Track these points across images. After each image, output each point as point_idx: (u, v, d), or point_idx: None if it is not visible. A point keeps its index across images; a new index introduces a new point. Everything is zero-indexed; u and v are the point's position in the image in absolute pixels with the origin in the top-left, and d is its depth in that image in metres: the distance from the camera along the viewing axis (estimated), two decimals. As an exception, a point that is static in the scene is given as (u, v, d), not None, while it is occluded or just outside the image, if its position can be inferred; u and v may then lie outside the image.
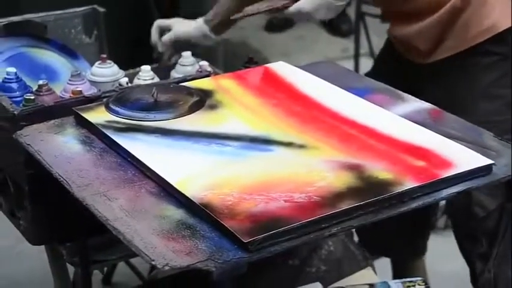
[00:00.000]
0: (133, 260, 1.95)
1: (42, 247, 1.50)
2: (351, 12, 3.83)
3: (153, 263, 0.96)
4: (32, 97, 1.36)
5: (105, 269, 1.95)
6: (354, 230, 1.74)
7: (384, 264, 2.19)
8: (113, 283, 2.17)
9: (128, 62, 1.70)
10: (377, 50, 3.48)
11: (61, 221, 1.37)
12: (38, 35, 1.72)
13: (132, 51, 2.40)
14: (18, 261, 2.30)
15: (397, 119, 1.29)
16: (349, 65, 3.00)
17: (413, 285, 1.49)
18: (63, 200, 1.18)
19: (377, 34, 3.41)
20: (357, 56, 2.98)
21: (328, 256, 1.62)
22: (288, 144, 1.20)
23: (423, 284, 1.48)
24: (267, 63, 1.51)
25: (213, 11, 1.71)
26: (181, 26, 1.72)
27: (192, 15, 2.78)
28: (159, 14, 2.60)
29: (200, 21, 1.72)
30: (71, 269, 1.55)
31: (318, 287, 1.55)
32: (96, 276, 2.02)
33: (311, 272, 1.57)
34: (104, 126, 1.26)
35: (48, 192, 1.29)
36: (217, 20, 1.69)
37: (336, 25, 4.02)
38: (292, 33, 4.06)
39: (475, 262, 1.38)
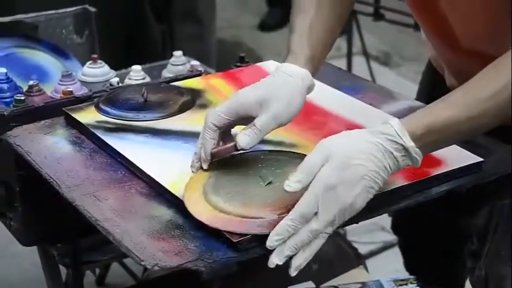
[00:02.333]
0: (127, 261, 1.95)
1: (35, 248, 1.49)
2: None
3: (142, 263, 0.96)
4: (22, 98, 1.36)
5: (97, 270, 1.94)
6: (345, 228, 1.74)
7: (376, 263, 2.19)
8: (106, 284, 2.16)
9: (120, 62, 1.70)
10: (371, 48, 3.51)
11: (52, 221, 1.37)
12: (29, 35, 1.72)
13: (123, 51, 2.41)
14: (11, 262, 2.29)
15: (388, 117, 1.29)
16: (342, 63, 3.00)
17: (406, 284, 1.49)
18: (54, 201, 1.18)
19: (370, 33, 3.42)
20: (349, 55, 2.98)
21: (320, 255, 1.61)
22: (278, 144, 1.20)
23: (415, 282, 1.48)
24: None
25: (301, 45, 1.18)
26: (276, 105, 1.10)
27: (187, 15, 2.80)
28: (153, 12, 2.60)
29: (296, 72, 1.14)
30: (63, 270, 1.55)
31: (311, 286, 1.55)
32: (90, 277, 2.02)
33: (303, 271, 1.57)
34: (94, 126, 1.25)
35: (39, 193, 1.28)
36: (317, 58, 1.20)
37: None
38: (286, 32, 4.05)
39: (465, 261, 1.38)
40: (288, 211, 0.97)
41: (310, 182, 0.97)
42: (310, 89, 1.16)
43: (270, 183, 1.06)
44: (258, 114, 1.08)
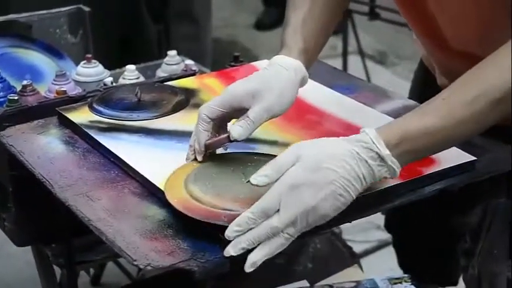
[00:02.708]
0: (122, 260, 1.95)
1: (27, 248, 1.49)
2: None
3: (135, 263, 0.96)
4: (16, 97, 1.35)
5: (91, 269, 1.94)
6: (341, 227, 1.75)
7: (371, 261, 2.20)
8: (101, 283, 2.16)
9: (115, 62, 1.70)
10: (367, 48, 3.51)
11: (45, 221, 1.37)
12: (23, 34, 1.71)
13: (118, 50, 2.41)
14: (6, 262, 2.29)
15: (382, 116, 1.29)
16: (338, 62, 3.00)
17: (400, 282, 1.49)
18: (48, 201, 1.18)
19: (365, 32, 3.42)
20: (345, 54, 2.98)
21: (315, 254, 1.62)
22: (272, 143, 1.20)
23: (409, 280, 1.48)
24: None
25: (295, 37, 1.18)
26: (268, 96, 1.10)
27: (182, 15, 2.80)
28: (149, 12, 2.60)
29: (289, 63, 1.14)
30: (58, 270, 1.54)
31: (305, 285, 1.55)
32: (85, 277, 2.02)
33: (298, 270, 1.57)
34: (87, 126, 1.25)
35: (32, 193, 1.28)
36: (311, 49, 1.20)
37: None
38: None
39: (458, 258, 1.38)
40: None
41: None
42: (303, 81, 1.16)
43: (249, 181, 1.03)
44: (251, 106, 1.08)
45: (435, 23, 1.22)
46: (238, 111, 1.10)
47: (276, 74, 1.12)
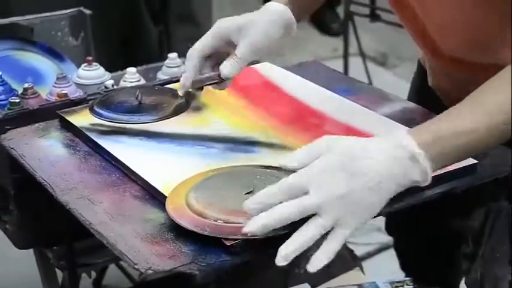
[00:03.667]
0: (124, 263, 1.95)
1: (29, 250, 1.49)
2: (341, 11, 3.84)
3: (136, 266, 0.95)
4: (17, 100, 1.36)
5: (93, 272, 1.94)
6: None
7: (372, 265, 2.19)
8: (103, 286, 2.16)
9: (116, 64, 1.70)
10: (368, 49, 3.51)
11: (47, 224, 1.37)
12: (24, 37, 1.71)
13: (119, 53, 2.41)
14: (6, 265, 2.29)
15: (382, 119, 1.29)
16: (340, 64, 3.00)
17: (402, 285, 1.49)
18: (49, 204, 1.18)
19: (368, 33, 3.42)
20: (346, 56, 2.98)
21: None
22: (272, 146, 1.20)
23: (411, 284, 1.48)
24: (257, 63, 1.51)
25: None
26: (253, 31, 1.18)
27: (183, 16, 2.79)
28: (149, 14, 2.60)
29: (274, 7, 1.21)
30: (59, 273, 1.54)
31: (307, 288, 1.55)
32: (86, 279, 2.02)
33: (299, 273, 1.57)
34: (88, 129, 1.25)
35: (34, 196, 1.28)
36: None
37: (326, 24, 4.02)
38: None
39: (460, 262, 1.38)
40: (235, 222, 0.96)
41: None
42: (289, 26, 1.20)
43: (250, 192, 1.02)
44: (238, 41, 1.16)
45: (425, 29, 1.22)
46: (227, 47, 1.18)
47: (261, 13, 1.20)
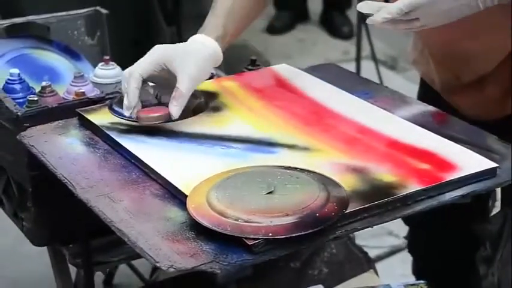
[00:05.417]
0: (135, 262, 1.95)
1: (42, 248, 1.49)
2: (352, 14, 3.84)
3: (157, 264, 0.96)
4: (36, 98, 1.36)
5: (107, 270, 1.95)
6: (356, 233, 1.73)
7: (386, 267, 2.19)
8: (114, 285, 2.16)
9: (131, 64, 1.70)
10: (378, 53, 3.51)
11: (64, 222, 1.37)
12: (40, 36, 1.72)
13: (134, 52, 2.41)
14: (18, 262, 2.30)
15: (401, 121, 1.29)
16: (351, 67, 2.99)
17: (416, 288, 1.49)
18: (66, 202, 1.18)
19: (378, 37, 3.42)
20: (358, 59, 2.98)
21: (330, 258, 1.62)
22: (292, 147, 1.20)
23: (426, 286, 1.48)
24: (268, 65, 1.51)
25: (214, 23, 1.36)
26: (191, 65, 1.25)
27: (195, 16, 2.79)
28: (162, 15, 2.61)
29: (207, 43, 1.31)
30: (72, 270, 1.55)
31: (320, 290, 1.55)
32: (98, 277, 2.02)
33: (313, 274, 1.57)
34: (107, 128, 1.26)
35: (51, 194, 1.29)
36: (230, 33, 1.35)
37: (337, 27, 4.02)
38: (293, 35, 4.06)
39: (478, 265, 1.38)
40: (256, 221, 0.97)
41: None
42: (218, 61, 1.31)
43: (270, 193, 1.03)
44: (176, 72, 1.22)
45: None
46: (163, 71, 1.24)
47: (196, 48, 1.28)
